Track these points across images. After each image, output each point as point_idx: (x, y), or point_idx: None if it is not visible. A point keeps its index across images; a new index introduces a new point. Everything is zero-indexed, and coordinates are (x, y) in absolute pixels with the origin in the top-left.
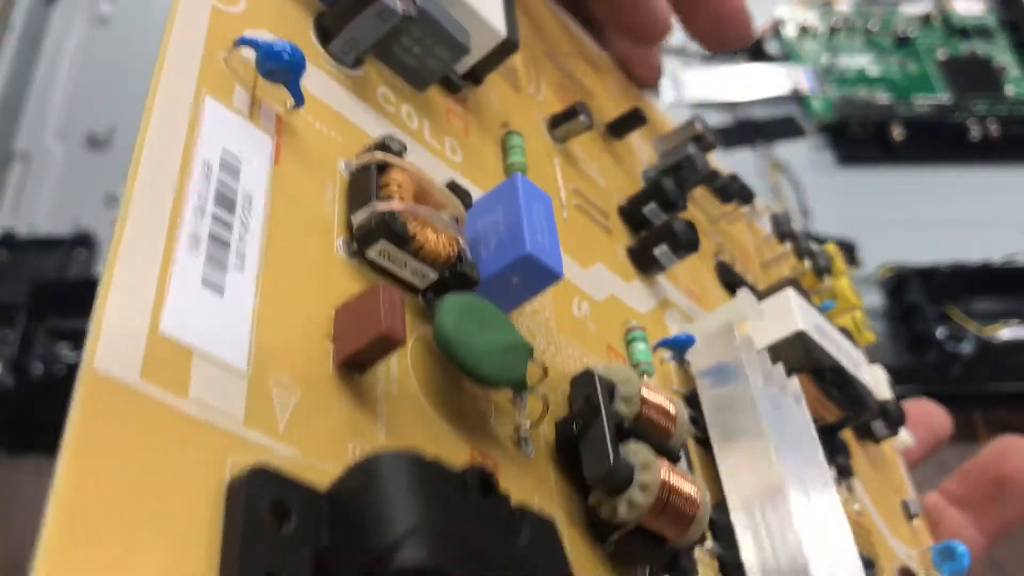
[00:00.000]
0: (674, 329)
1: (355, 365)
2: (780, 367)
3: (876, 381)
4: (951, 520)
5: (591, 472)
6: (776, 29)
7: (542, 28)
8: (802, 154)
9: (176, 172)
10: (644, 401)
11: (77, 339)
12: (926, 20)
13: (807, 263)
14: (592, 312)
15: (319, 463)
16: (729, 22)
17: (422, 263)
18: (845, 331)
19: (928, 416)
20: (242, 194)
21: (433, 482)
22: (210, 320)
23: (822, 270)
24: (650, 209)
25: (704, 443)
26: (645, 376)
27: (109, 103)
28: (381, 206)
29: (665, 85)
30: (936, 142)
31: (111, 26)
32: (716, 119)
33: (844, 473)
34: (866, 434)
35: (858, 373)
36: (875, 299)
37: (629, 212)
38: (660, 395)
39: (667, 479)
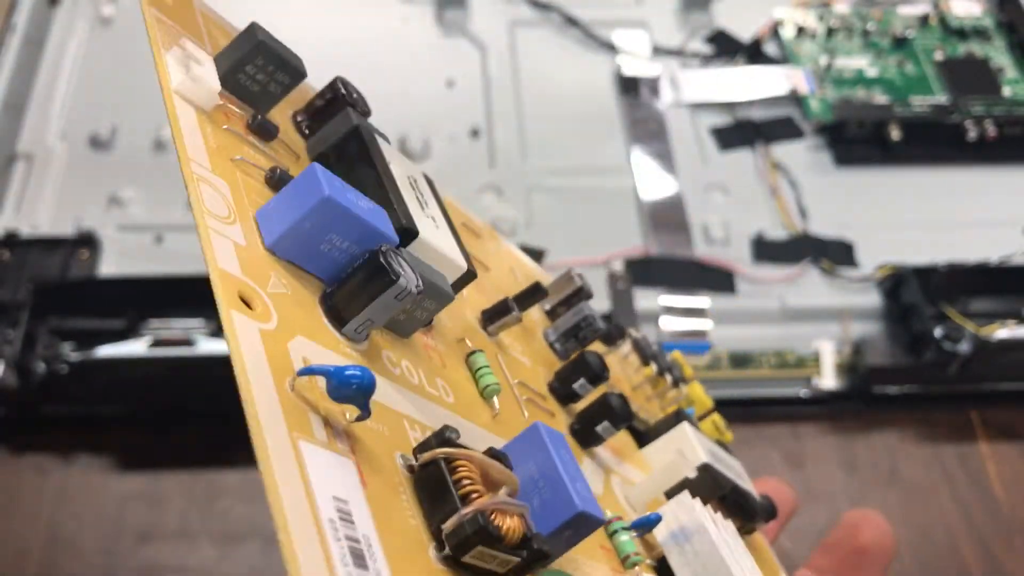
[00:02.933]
0: (621, 498)
1: None
2: (713, 512)
3: (745, 478)
4: None
5: None
6: (774, 30)
7: None
8: (800, 155)
9: (316, 541)
10: None
11: (79, 339)
12: (924, 21)
13: (668, 377)
14: None
15: None
16: None
17: (507, 552)
18: (721, 444)
19: (779, 493)
20: (364, 541)
21: None
22: None
23: (678, 380)
24: (580, 384)
25: None
26: (637, 568)
27: (111, 104)
28: (468, 510)
29: (663, 86)
30: (934, 143)
31: (114, 27)
32: (714, 120)
33: None
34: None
35: (744, 483)
36: (873, 299)
37: (560, 390)
38: None
39: None
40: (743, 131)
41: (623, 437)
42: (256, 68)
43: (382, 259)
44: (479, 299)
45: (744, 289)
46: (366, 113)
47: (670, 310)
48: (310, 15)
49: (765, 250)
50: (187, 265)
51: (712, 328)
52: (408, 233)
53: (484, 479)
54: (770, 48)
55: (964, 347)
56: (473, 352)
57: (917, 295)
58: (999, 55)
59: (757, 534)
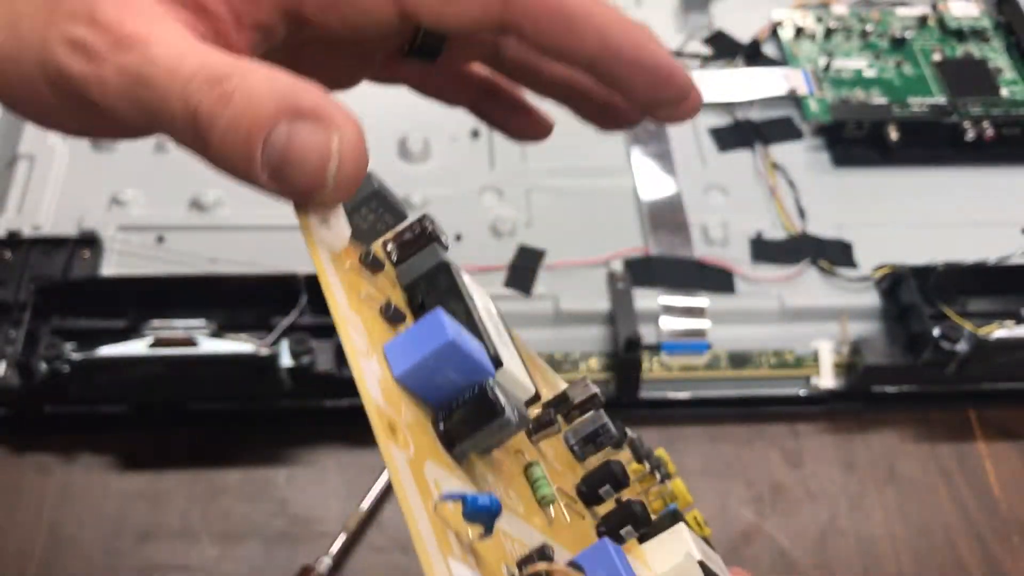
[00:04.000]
0: None
1: None
2: None
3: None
4: None
5: None
6: (773, 31)
7: None
8: (799, 155)
9: None
10: None
11: (81, 339)
12: (922, 22)
13: (656, 474)
14: None
15: None
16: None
17: None
18: (707, 542)
19: None
20: None
21: None
22: None
23: (664, 477)
24: (605, 490)
25: None
26: None
27: None
28: None
29: None
30: (932, 143)
31: None
32: (713, 120)
33: None
34: None
35: None
36: (871, 299)
37: (587, 495)
38: None
39: None
40: (742, 132)
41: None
42: (370, 210)
43: (490, 394)
44: None
45: (743, 289)
46: (446, 247)
47: (669, 310)
48: None
49: (764, 250)
50: (188, 265)
51: (711, 328)
52: (497, 363)
53: None
54: (769, 49)
55: (962, 347)
56: (530, 464)
57: (915, 295)
58: (997, 56)
59: None
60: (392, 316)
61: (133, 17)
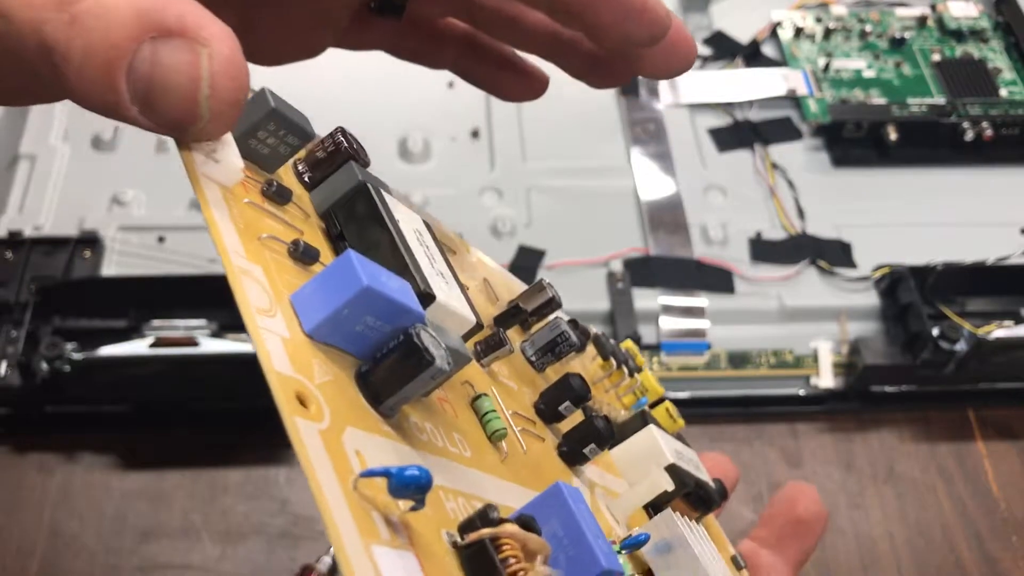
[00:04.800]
0: (606, 511)
1: None
2: (689, 522)
3: (701, 467)
4: (765, 562)
5: None
6: (773, 32)
7: None
8: (798, 155)
9: None
10: None
11: (82, 338)
12: (921, 22)
13: (624, 369)
14: None
15: None
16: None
17: None
18: (679, 436)
19: (722, 467)
20: None
21: None
22: None
23: (632, 369)
24: (565, 407)
25: None
26: None
27: None
28: None
29: (662, 87)
30: (931, 144)
31: None
32: (713, 121)
33: None
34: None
35: (702, 475)
36: (870, 299)
37: (547, 412)
38: None
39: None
40: (741, 132)
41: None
42: (268, 133)
43: (416, 341)
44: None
45: (742, 289)
46: (366, 164)
47: (669, 310)
48: None
49: (763, 250)
50: (189, 265)
51: (710, 327)
52: (426, 299)
53: (523, 550)
54: (768, 49)
55: (961, 346)
56: (478, 397)
57: (914, 295)
58: (996, 56)
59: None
60: (303, 255)
61: None
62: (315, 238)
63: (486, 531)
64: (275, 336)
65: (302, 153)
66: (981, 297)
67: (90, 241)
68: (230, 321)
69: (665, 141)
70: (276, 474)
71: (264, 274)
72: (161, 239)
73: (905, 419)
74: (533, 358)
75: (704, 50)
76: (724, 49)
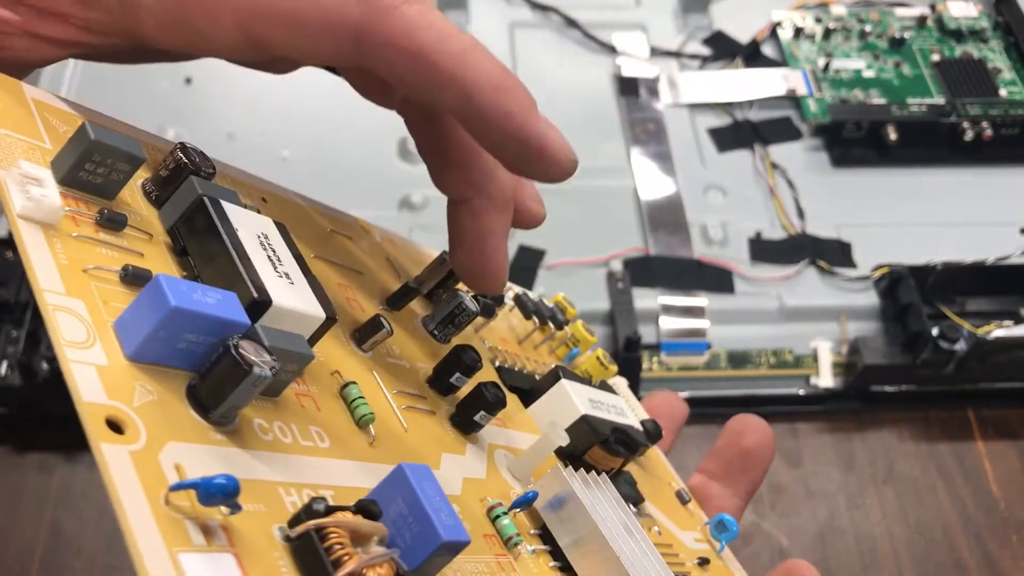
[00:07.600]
0: (506, 473)
1: None
2: (585, 474)
3: (629, 403)
4: (714, 493)
5: None
6: (772, 32)
7: (298, 228)
8: (798, 155)
9: None
10: None
11: None
12: (921, 22)
13: (551, 324)
14: (461, 511)
15: None
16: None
17: None
18: (604, 383)
19: (669, 405)
20: None
21: None
22: None
23: (561, 323)
24: (456, 378)
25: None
26: (518, 547)
27: (112, 105)
28: (340, 574)
29: (662, 87)
30: (930, 144)
31: None
32: (713, 121)
33: (636, 502)
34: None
35: (626, 419)
36: (870, 299)
37: (438, 383)
38: None
39: None
40: (741, 132)
41: (510, 400)
42: (95, 164)
43: (234, 352)
44: (364, 304)
45: (742, 289)
46: (210, 174)
47: (669, 309)
48: None
49: (763, 250)
50: None
51: (710, 327)
52: (261, 305)
53: (355, 536)
54: (768, 49)
55: (961, 346)
56: (345, 385)
57: (914, 295)
58: (996, 56)
59: (652, 449)
60: (133, 279)
61: None
62: (159, 257)
63: (310, 523)
64: (89, 367)
65: (150, 172)
66: (981, 297)
67: None
68: None
69: (665, 141)
70: None
71: (86, 307)
72: None
73: (905, 419)
74: (435, 331)
75: (704, 50)
76: (724, 49)
